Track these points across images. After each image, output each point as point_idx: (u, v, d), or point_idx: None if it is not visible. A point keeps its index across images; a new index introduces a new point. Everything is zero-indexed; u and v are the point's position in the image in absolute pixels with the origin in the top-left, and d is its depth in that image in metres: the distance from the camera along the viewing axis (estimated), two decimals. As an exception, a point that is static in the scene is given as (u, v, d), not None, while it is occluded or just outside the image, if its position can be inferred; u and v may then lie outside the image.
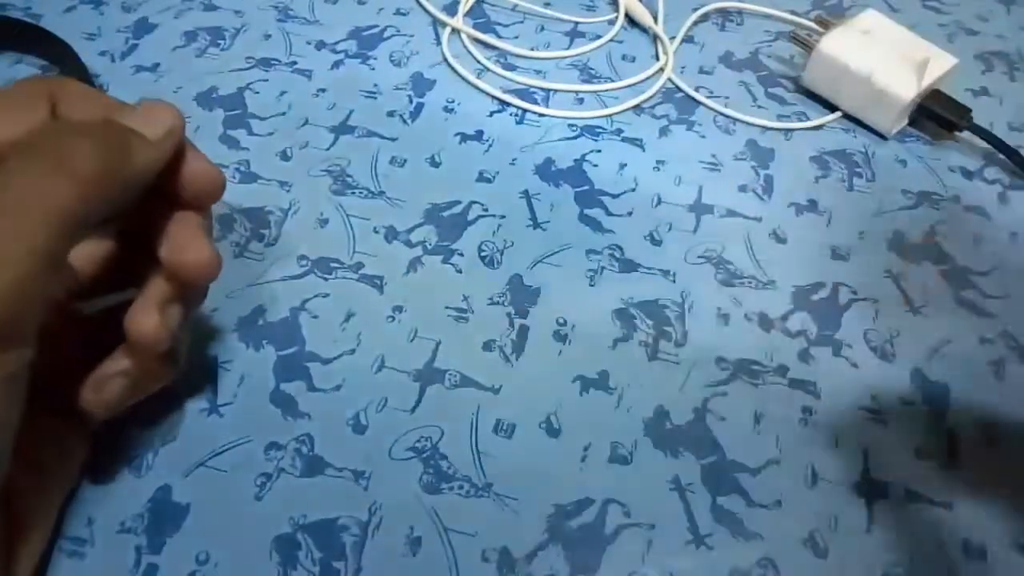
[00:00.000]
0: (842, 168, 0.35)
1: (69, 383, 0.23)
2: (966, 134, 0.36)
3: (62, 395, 0.23)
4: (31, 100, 0.20)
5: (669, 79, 0.39)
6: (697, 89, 0.38)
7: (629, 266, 0.31)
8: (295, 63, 0.38)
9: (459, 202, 0.33)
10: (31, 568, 0.21)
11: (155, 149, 0.20)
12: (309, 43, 0.39)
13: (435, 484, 0.25)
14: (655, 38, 0.41)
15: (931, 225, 0.33)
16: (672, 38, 0.41)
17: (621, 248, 0.31)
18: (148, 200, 0.22)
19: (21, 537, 0.21)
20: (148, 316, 0.21)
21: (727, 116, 0.37)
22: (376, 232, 0.31)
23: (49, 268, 0.17)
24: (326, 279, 0.30)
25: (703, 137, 0.36)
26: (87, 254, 0.24)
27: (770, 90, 0.39)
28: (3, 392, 0.17)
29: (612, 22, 0.41)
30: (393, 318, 0.29)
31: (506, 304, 0.29)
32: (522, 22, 0.41)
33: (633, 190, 0.34)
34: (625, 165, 0.35)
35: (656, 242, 0.32)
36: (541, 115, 0.37)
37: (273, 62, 0.38)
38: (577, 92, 0.38)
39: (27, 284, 0.17)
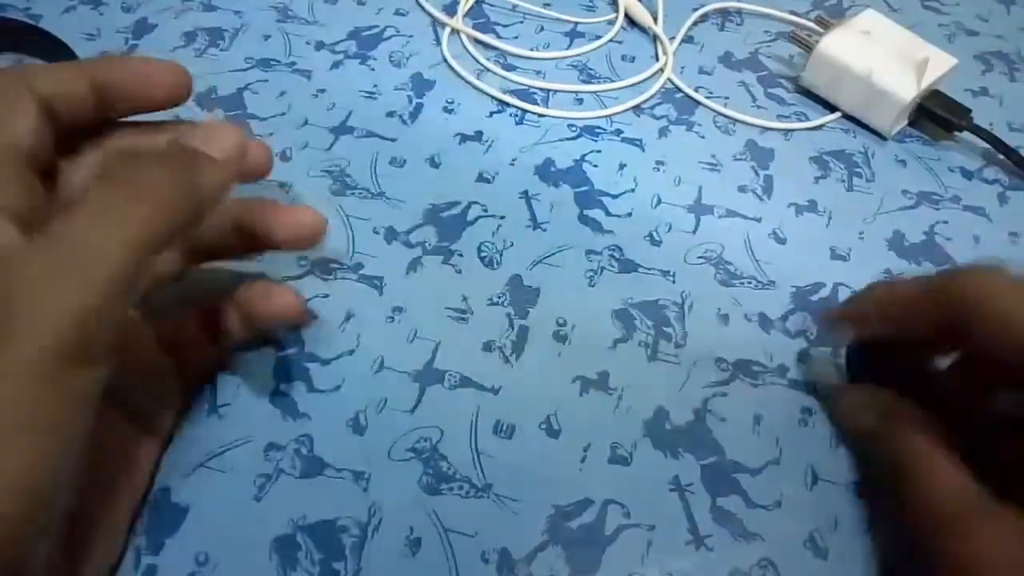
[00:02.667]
0: (842, 168, 0.35)
1: (141, 389, 0.24)
2: (966, 134, 0.36)
3: (134, 402, 0.23)
4: (73, 68, 0.21)
5: (669, 79, 0.39)
6: (697, 89, 0.38)
7: (629, 266, 0.31)
8: (295, 63, 0.38)
9: (459, 202, 0.33)
10: None
11: (224, 170, 0.21)
12: (309, 43, 0.39)
13: (435, 485, 0.25)
14: (655, 38, 0.41)
15: (931, 225, 0.33)
16: (672, 38, 0.41)
17: (621, 248, 0.31)
18: None
19: (84, 558, 0.21)
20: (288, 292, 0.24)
21: (727, 116, 0.37)
22: (376, 233, 0.31)
23: (126, 292, 0.18)
24: (326, 280, 0.30)
25: (703, 137, 0.36)
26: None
27: (770, 90, 0.39)
28: (77, 411, 0.17)
29: (612, 22, 0.41)
30: (393, 319, 0.29)
31: (506, 304, 0.29)
32: (522, 22, 0.41)
33: (633, 190, 0.34)
34: (625, 165, 0.35)
35: (656, 242, 0.32)
36: (541, 115, 0.37)
37: (273, 62, 0.38)
38: (577, 92, 0.38)
39: (104, 308, 0.17)
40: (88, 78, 0.22)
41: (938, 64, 0.36)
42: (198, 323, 0.26)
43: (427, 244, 0.31)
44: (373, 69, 0.38)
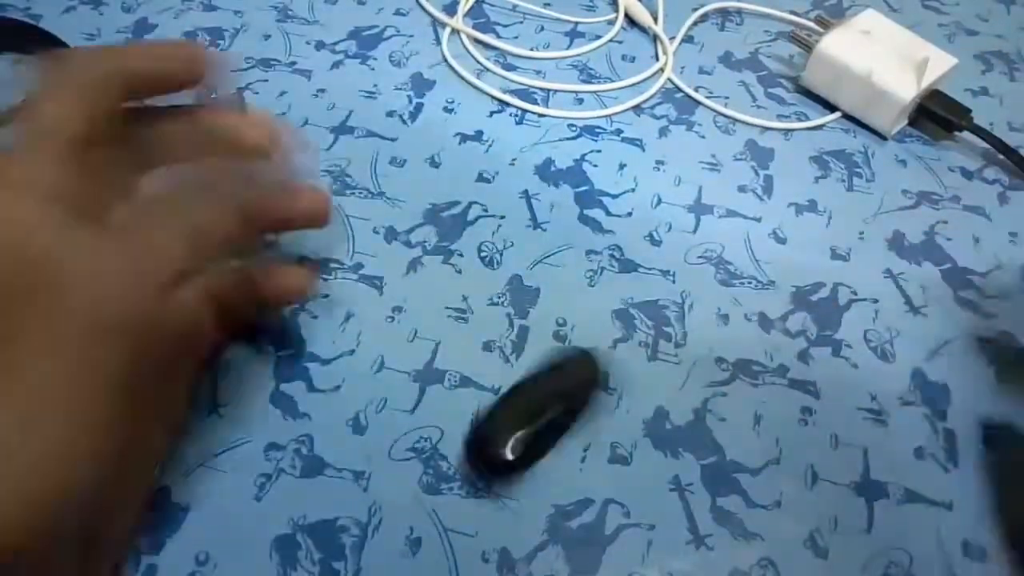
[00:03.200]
0: (842, 168, 0.35)
1: (159, 390, 0.23)
2: (966, 134, 0.36)
3: (154, 403, 0.23)
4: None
5: (669, 79, 0.39)
6: (697, 89, 0.38)
7: (629, 266, 0.31)
8: (295, 63, 0.38)
9: (459, 202, 0.33)
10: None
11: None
12: (309, 43, 0.39)
13: (435, 484, 0.25)
14: (655, 38, 0.41)
15: (931, 225, 0.33)
16: (672, 38, 0.41)
17: (621, 248, 0.31)
18: None
19: (102, 549, 0.21)
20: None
21: (727, 116, 0.37)
22: (376, 232, 0.31)
23: (165, 295, 0.21)
24: (326, 279, 0.30)
25: (703, 137, 0.36)
26: None
27: (770, 90, 0.39)
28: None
29: (612, 22, 0.41)
30: (393, 318, 0.29)
31: (506, 304, 0.29)
32: (522, 22, 0.41)
33: (633, 190, 0.34)
34: (625, 165, 0.35)
35: (656, 242, 0.32)
36: (541, 115, 0.37)
37: (273, 62, 0.38)
38: (577, 92, 0.38)
39: (148, 302, 0.20)
40: (119, 65, 0.22)
41: (938, 64, 0.36)
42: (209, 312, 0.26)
43: (427, 244, 0.31)
44: (373, 69, 0.38)
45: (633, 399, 0.27)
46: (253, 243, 0.26)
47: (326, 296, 0.29)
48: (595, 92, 0.38)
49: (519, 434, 0.24)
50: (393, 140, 0.35)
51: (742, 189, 0.34)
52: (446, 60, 0.39)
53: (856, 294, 0.30)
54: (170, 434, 0.24)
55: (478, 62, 0.39)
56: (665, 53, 0.40)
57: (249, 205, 0.24)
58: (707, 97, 0.38)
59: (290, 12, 0.41)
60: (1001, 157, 0.36)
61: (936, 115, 0.36)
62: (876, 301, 0.30)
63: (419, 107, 0.36)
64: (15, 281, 0.18)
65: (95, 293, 0.18)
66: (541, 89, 0.38)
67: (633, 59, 0.40)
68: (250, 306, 0.26)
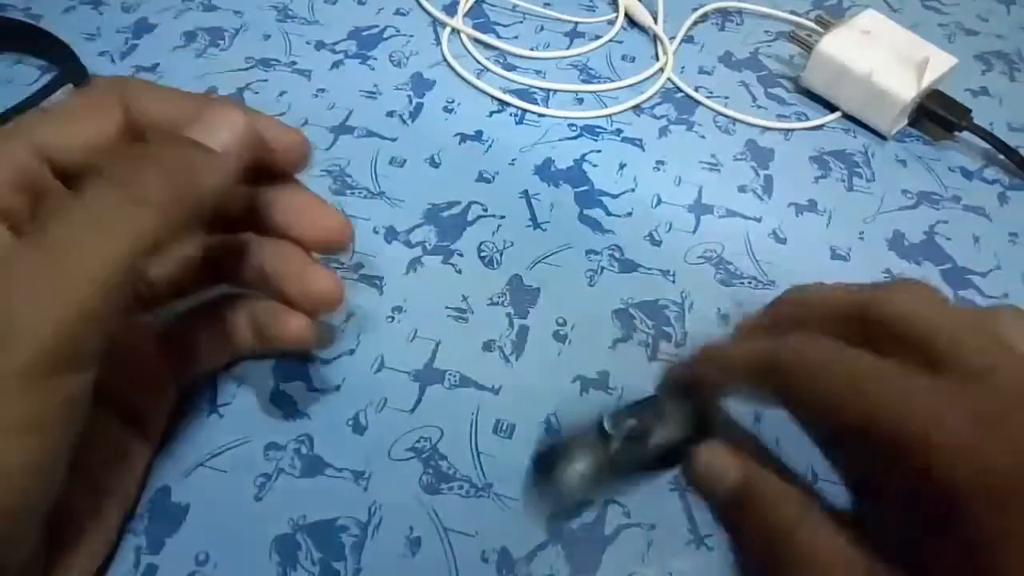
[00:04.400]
0: (842, 168, 0.35)
1: (135, 391, 0.23)
2: (966, 134, 0.36)
3: (127, 404, 0.23)
4: (103, 104, 0.20)
5: (669, 79, 0.39)
6: (697, 89, 0.38)
7: (629, 266, 0.31)
8: (295, 63, 0.38)
9: (459, 202, 0.32)
10: None
11: (222, 166, 0.20)
12: (309, 43, 0.39)
13: (435, 484, 0.25)
14: (655, 38, 0.41)
15: (931, 225, 0.33)
16: (672, 38, 0.41)
17: (621, 248, 0.31)
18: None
19: (69, 558, 0.20)
20: (326, 275, 0.23)
21: (727, 116, 0.37)
22: (376, 232, 0.31)
23: (116, 296, 0.17)
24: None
25: (703, 137, 0.36)
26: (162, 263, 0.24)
27: (770, 90, 0.39)
28: (63, 415, 0.17)
29: (612, 22, 0.41)
30: (393, 318, 0.29)
31: (506, 304, 0.29)
32: (522, 22, 0.41)
33: (633, 190, 0.34)
34: (625, 165, 0.35)
35: (656, 242, 0.32)
36: (541, 115, 0.37)
37: (273, 62, 0.38)
38: (577, 92, 0.38)
39: (92, 312, 0.17)
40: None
41: (938, 64, 0.36)
42: (204, 331, 0.25)
43: (427, 244, 0.31)
44: (373, 69, 0.38)
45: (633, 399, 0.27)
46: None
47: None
48: (595, 92, 0.38)
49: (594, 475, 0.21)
50: (393, 140, 0.35)
51: (742, 189, 0.34)
52: (446, 60, 0.39)
53: (856, 294, 0.30)
54: (150, 440, 0.24)
55: (478, 62, 0.39)
56: (665, 53, 0.40)
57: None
58: (707, 97, 0.38)
59: (290, 12, 0.41)
60: (1001, 157, 0.36)
61: (936, 115, 0.36)
62: (876, 301, 0.30)
63: (419, 107, 0.36)
64: None
65: (29, 315, 0.16)
66: (541, 89, 0.38)
67: (633, 59, 0.40)
68: (248, 337, 0.25)
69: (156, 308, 0.24)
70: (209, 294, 0.25)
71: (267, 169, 0.22)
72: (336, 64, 0.38)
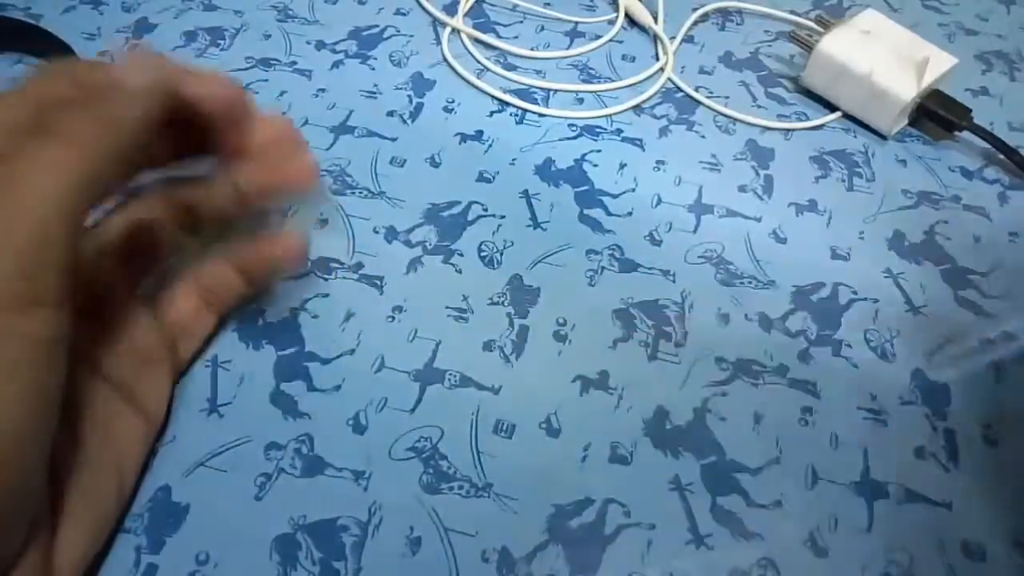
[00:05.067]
0: (842, 168, 0.35)
1: (130, 366, 0.24)
2: (966, 134, 0.36)
3: (124, 381, 0.23)
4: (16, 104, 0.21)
5: (669, 79, 0.39)
6: (697, 89, 0.38)
7: (629, 266, 0.31)
8: (295, 63, 0.38)
9: (459, 202, 0.33)
10: (73, 562, 0.20)
11: (141, 100, 0.21)
12: (309, 43, 0.39)
13: (435, 484, 0.25)
14: (655, 38, 0.41)
15: (931, 225, 0.33)
16: (672, 38, 0.41)
17: (621, 248, 0.31)
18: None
19: (67, 536, 0.20)
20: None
21: (727, 116, 0.37)
22: (376, 232, 0.31)
23: (68, 232, 0.18)
24: (326, 279, 0.30)
25: (703, 137, 0.36)
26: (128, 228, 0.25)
27: (770, 90, 0.39)
28: (39, 356, 0.18)
29: (612, 22, 0.41)
30: (393, 318, 0.29)
31: (506, 304, 0.29)
32: (522, 22, 0.41)
33: (633, 190, 0.34)
34: (625, 165, 0.35)
35: (656, 242, 0.32)
36: (541, 115, 0.37)
37: (273, 62, 0.38)
38: (577, 92, 0.38)
39: (45, 250, 0.17)
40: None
41: (938, 64, 0.36)
42: (196, 296, 0.26)
43: (427, 244, 0.31)
44: (373, 69, 0.38)
45: (633, 399, 0.27)
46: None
47: (326, 296, 0.29)
48: (595, 92, 0.38)
49: None
50: (393, 140, 0.35)
51: (742, 189, 0.34)
52: (446, 60, 0.39)
53: (856, 294, 0.31)
54: (147, 416, 0.24)
55: (478, 62, 0.39)
56: (665, 53, 0.40)
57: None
58: (707, 97, 0.38)
59: (290, 12, 0.41)
60: (1001, 157, 0.36)
61: (936, 115, 0.36)
62: (876, 301, 0.30)
63: (419, 107, 0.36)
64: None
65: None
66: (541, 89, 0.38)
67: (633, 59, 0.40)
68: (236, 281, 0.26)
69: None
70: (182, 262, 0.26)
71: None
72: (336, 64, 0.38)
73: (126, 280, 0.25)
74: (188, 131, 0.23)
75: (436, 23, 0.41)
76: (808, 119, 0.37)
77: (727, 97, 0.38)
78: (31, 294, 0.17)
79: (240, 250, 0.27)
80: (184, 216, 0.25)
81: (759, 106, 0.38)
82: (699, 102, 0.38)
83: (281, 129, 0.25)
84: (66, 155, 0.18)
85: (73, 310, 0.18)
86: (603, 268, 0.31)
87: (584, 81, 0.38)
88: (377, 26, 0.40)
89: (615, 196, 0.33)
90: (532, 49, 0.40)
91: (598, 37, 0.41)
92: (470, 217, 0.32)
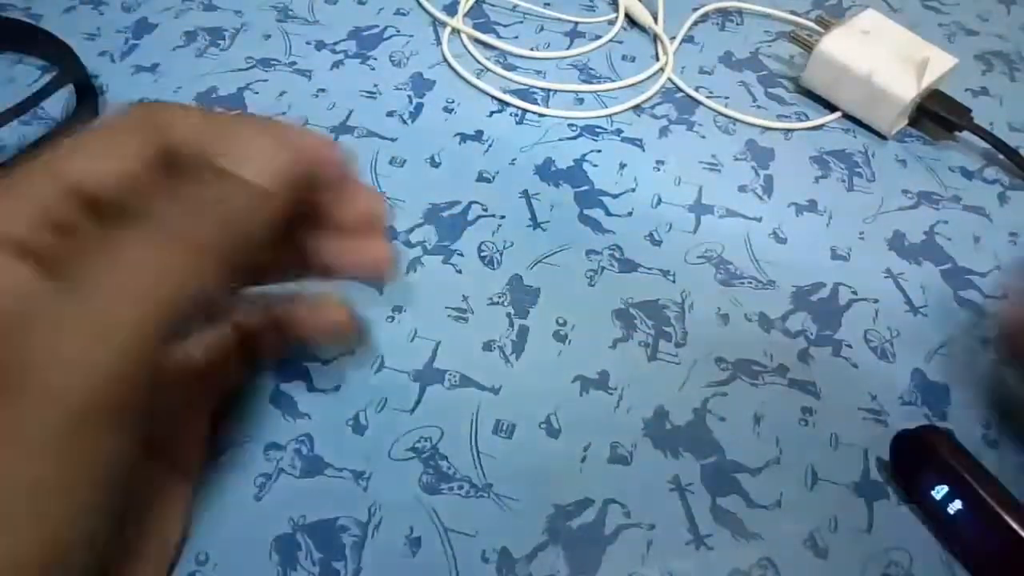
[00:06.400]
0: (842, 168, 0.35)
1: (168, 423, 0.22)
2: (966, 134, 0.36)
3: (159, 439, 0.22)
4: (135, 130, 0.18)
5: (669, 79, 0.39)
6: (697, 89, 0.38)
7: (629, 266, 0.31)
8: (295, 63, 0.38)
9: (459, 202, 0.33)
10: None
11: (270, 204, 0.18)
12: (309, 43, 0.39)
13: (435, 484, 0.25)
14: (655, 38, 0.41)
15: (931, 225, 0.33)
16: (672, 38, 0.41)
17: (621, 248, 0.31)
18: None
19: None
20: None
21: (727, 116, 0.37)
22: (376, 232, 0.31)
23: (159, 346, 0.16)
24: (326, 280, 0.29)
25: (703, 137, 0.36)
26: None
27: (770, 90, 0.39)
28: (100, 480, 0.16)
29: (612, 22, 0.41)
30: (393, 318, 0.29)
31: (506, 304, 0.29)
32: (522, 22, 0.41)
33: (633, 190, 0.34)
34: (625, 165, 0.35)
35: (656, 242, 0.32)
36: (541, 115, 0.37)
37: (273, 62, 0.38)
38: (577, 92, 0.38)
39: (133, 367, 0.15)
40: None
41: (938, 64, 0.36)
42: (233, 347, 0.24)
43: (427, 244, 0.31)
44: (373, 69, 0.38)
45: (633, 399, 0.27)
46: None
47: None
48: (595, 92, 0.38)
49: None
50: (393, 140, 0.35)
51: (742, 189, 0.34)
52: (446, 60, 0.39)
53: (856, 294, 0.31)
54: (187, 475, 0.23)
55: (478, 62, 0.39)
56: (665, 53, 0.40)
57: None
58: (707, 97, 0.38)
59: (290, 12, 0.41)
60: (1001, 157, 0.36)
61: (936, 115, 0.36)
62: (876, 301, 0.30)
63: (419, 107, 0.36)
64: None
65: (63, 366, 0.15)
66: (541, 89, 0.38)
67: (633, 59, 0.40)
68: (280, 343, 0.25)
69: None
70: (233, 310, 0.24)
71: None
72: (336, 64, 0.38)
73: (193, 404, 0.23)
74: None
75: (436, 23, 0.41)
76: (808, 119, 0.37)
77: (727, 97, 0.38)
78: (110, 417, 0.15)
79: (283, 305, 0.24)
80: (249, 338, 0.24)
81: (759, 106, 0.38)
82: (699, 102, 0.38)
83: (374, 202, 0.22)
84: (184, 262, 0.16)
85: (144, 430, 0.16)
86: (603, 268, 0.31)
87: (584, 81, 0.38)
88: (377, 26, 0.40)
89: (615, 196, 0.33)
90: (532, 49, 0.40)
91: (598, 37, 0.41)
92: (470, 217, 0.32)
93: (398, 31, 0.40)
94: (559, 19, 0.41)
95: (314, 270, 0.23)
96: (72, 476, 0.15)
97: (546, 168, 0.34)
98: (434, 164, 0.34)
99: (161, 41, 0.38)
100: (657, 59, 0.40)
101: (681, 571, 0.23)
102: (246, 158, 0.18)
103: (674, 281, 0.30)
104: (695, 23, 0.42)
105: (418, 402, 0.26)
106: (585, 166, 0.34)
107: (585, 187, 0.33)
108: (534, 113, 0.37)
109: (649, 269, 0.31)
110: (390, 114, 0.36)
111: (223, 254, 0.17)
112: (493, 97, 0.37)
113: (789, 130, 0.37)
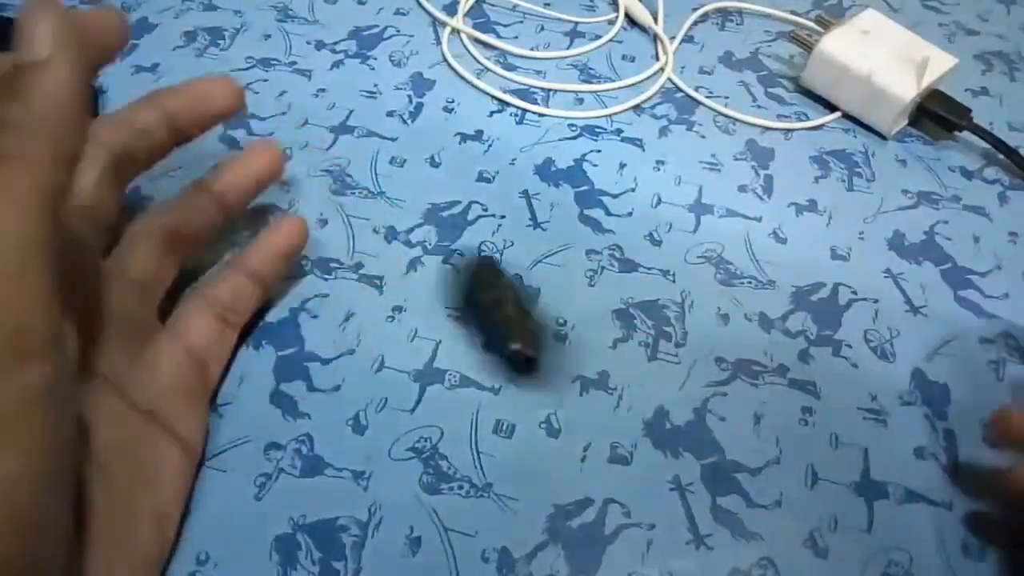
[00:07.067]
0: (842, 168, 0.35)
1: (162, 390, 0.23)
2: (966, 134, 0.36)
3: (154, 404, 0.23)
4: None
5: (669, 79, 0.39)
6: (697, 89, 0.38)
7: (629, 266, 0.31)
8: (295, 63, 0.38)
9: (459, 202, 0.33)
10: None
11: (50, 73, 0.17)
12: (309, 43, 0.39)
13: (435, 484, 0.25)
14: (655, 38, 0.41)
15: (931, 225, 0.33)
16: (672, 38, 0.41)
17: (621, 248, 0.31)
18: None
19: (85, 539, 0.19)
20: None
21: (727, 116, 0.37)
22: (376, 232, 0.31)
23: (45, 259, 0.16)
24: (326, 279, 0.30)
25: (703, 137, 0.36)
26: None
27: (770, 90, 0.39)
28: (44, 411, 0.16)
29: (612, 22, 0.41)
30: (393, 318, 0.29)
31: (506, 304, 0.29)
32: (522, 22, 0.41)
33: (633, 190, 0.34)
34: (625, 165, 0.35)
35: (656, 242, 0.32)
36: (541, 115, 0.37)
37: (273, 62, 0.38)
38: (577, 92, 0.38)
39: (25, 282, 0.15)
40: (158, 112, 0.24)
41: (938, 64, 0.36)
42: (214, 316, 0.26)
43: (427, 244, 0.31)
44: (373, 69, 0.38)
45: (633, 399, 0.27)
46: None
47: (326, 296, 0.29)
48: (595, 92, 0.38)
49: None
50: (393, 140, 0.35)
51: (742, 189, 0.34)
52: (446, 60, 0.39)
53: (856, 294, 0.31)
54: (187, 448, 0.23)
55: (478, 62, 0.39)
56: (665, 53, 0.40)
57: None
58: (707, 97, 0.38)
59: (290, 12, 0.41)
60: (1001, 157, 0.36)
61: (936, 115, 0.36)
62: (876, 301, 0.30)
63: (419, 107, 0.36)
64: None
65: None
66: (541, 89, 0.38)
67: (633, 59, 0.40)
68: (250, 287, 0.27)
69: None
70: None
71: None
72: (336, 64, 0.38)
73: (146, 304, 0.25)
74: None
75: (436, 23, 0.41)
76: (808, 119, 0.37)
77: (727, 97, 0.38)
78: (17, 346, 0.15)
79: (246, 254, 0.27)
80: (174, 242, 0.25)
81: (759, 106, 0.38)
82: (699, 102, 0.38)
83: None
84: (17, 178, 0.16)
85: (69, 345, 0.16)
86: (603, 268, 0.31)
87: (584, 81, 0.38)
88: (377, 26, 0.40)
89: (615, 196, 0.33)
90: (532, 49, 0.40)
91: (598, 37, 0.41)
92: (470, 217, 0.32)
93: (398, 31, 0.40)
94: (559, 19, 0.41)
95: (227, 211, 0.27)
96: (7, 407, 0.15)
97: (546, 168, 0.34)
98: (434, 164, 0.34)
99: (161, 41, 0.38)
100: (657, 59, 0.40)
101: (681, 571, 0.23)
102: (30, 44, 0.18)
103: (674, 281, 0.30)
104: (695, 23, 0.42)
105: (418, 402, 0.26)
106: (585, 166, 0.34)
107: (585, 187, 0.33)
108: (534, 113, 0.37)
109: (649, 269, 0.31)
110: (390, 114, 0.36)
111: (51, 147, 0.17)
112: (493, 97, 0.37)
113: (789, 130, 0.37)
